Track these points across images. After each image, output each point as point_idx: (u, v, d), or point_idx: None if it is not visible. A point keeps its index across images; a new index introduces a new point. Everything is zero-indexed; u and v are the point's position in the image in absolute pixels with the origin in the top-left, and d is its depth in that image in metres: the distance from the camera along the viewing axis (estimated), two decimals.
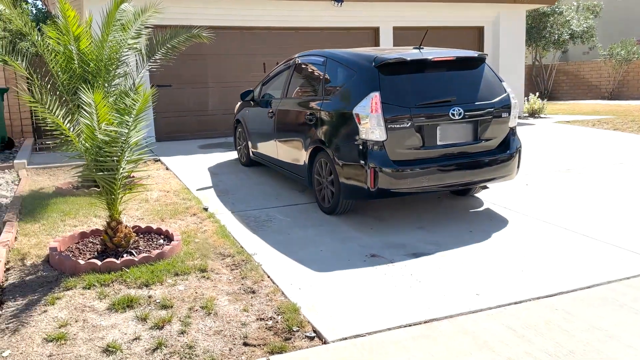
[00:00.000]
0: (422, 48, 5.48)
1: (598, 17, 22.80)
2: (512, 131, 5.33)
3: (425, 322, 3.13)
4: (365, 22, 12.03)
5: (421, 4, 12.15)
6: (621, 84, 20.91)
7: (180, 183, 6.88)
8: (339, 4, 11.29)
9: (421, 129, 4.85)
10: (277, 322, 3.18)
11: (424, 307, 3.31)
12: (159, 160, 8.54)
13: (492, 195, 5.86)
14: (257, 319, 3.23)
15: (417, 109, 4.84)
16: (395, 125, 4.79)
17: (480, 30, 13.25)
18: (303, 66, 6.44)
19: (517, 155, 5.30)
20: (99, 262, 3.88)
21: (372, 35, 12.28)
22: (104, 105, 3.82)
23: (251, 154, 7.67)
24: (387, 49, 5.54)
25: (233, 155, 8.78)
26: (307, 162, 5.74)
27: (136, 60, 7.21)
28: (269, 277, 3.84)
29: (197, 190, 6.47)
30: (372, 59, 5.02)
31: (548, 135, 10.45)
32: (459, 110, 4.92)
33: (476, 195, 5.96)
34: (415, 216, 5.27)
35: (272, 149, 6.77)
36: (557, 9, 22.12)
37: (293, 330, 3.07)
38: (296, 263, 4.12)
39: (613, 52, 20.49)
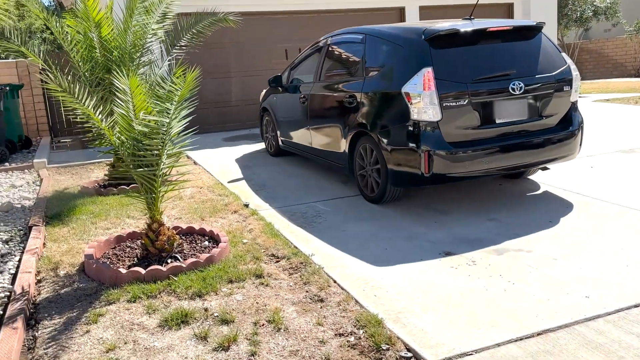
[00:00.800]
0: (473, 19, 4.97)
1: None
2: (574, 106, 4.82)
3: (539, 334, 2.64)
4: (390, 2, 11.44)
5: None
6: None
7: (212, 178, 6.42)
8: None
9: (479, 106, 4.36)
10: (359, 338, 2.70)
11: (531, 315, 2.81)
12: (186, 154, 8.08)
13: (560, 180, 5.33)
14: (336, 335, 2.75)
15: (473, 85, 4.34)
16: (451, 103, 4.29)
17: (509, 7, 12.60)
18: (337, 46, 5.92)
19: (580, 132, 4.81)
20: (142, 270, 3.43)
21: (398, 15, 11.69)
22: (141, 92, 3.35)
23: (280, 143, 7.19)
24: (434, 21, 5.00)
25: (260, 146, 8.31)
26: (347, 149, 5.27)
27: (160, 48, 6.75)
28: (335, 282, 3.37)
29: (231, 184, 6.01)
30: (421, 32, 4.50)
31: (593, 114, 9.83)
32: (519, 84, 4.42)
33: (533, 178, 5.44)
34: (479, 205, 4.77)
35: (305, 136, 6.29)
36: None
37: (382, 349, 2.59)
38: (362, 264, 3.63)
39: None
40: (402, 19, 11.66)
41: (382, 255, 3.77)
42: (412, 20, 11.50)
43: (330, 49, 5.98)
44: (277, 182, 6.04)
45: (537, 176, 5.51)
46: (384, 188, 4.78)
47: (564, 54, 4.84)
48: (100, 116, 3.59)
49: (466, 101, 4.32)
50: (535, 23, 4.76)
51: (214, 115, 10.62)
